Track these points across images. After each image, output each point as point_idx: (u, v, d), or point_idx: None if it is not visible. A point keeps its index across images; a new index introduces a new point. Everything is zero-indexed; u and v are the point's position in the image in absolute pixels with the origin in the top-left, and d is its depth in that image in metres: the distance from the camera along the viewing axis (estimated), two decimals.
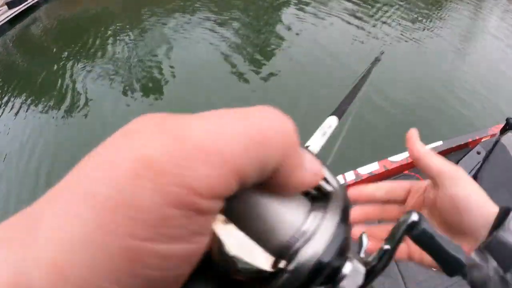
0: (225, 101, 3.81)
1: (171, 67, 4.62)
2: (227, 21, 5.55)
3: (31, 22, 7.01)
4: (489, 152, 1.87)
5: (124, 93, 4.30)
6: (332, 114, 0.65)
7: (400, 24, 5.51)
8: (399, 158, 1.94)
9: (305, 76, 4.16)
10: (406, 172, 2.01)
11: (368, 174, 1.84)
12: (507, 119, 2.12)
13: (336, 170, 1.83)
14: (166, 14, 6.09)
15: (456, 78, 4.35)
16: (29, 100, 4.63)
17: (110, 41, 5.51)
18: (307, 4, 5.96)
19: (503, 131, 2.00)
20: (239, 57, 4.68)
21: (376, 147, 2.89)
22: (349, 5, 5.94)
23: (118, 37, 5.57)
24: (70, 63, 5.12)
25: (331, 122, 0.67)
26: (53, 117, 4.14)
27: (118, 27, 5.91)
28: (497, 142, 1.90)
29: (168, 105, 3.97)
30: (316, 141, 0.57)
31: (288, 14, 5.84)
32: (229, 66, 4.46)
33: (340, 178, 1.76)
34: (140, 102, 4.12)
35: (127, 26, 5.90)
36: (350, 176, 1.82)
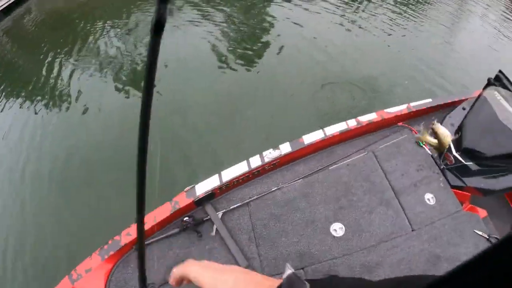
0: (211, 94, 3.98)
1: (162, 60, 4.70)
2: (217, 15, 5.62)
3: (24, 12, 6.98)
4: (473, 104, 2.09)
5: (115, 87, 4.36)
6: None
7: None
8: (394, 110, 2.16)
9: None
10: (400, 123, 2.24)
11: (367, 121, 2.05)
12: (488, 79, 2.36)
13: (339, 119, 2.05)
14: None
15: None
16: (17, 93, 4.65)
17: (101, 34, 5.52)
18: None
19: (485, 87, 2.24)
20: (227, 51, 4.74)
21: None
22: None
23: (110, 30, 5.59)
24: (61, 56, 5.14)
25: None
26: (40, 110, 4.18)
27: (110, 20, 5.93)
28: (479, 96, 2.12)
29: (157, 98, 4.03)
30: None
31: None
32: (217, 59, 4.53)
33: (344, 124, 1.96)
34: (127, 95, 4.19)
35: (119, 19, 5.93)
36: (352, 123, 2.03)
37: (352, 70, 4.16)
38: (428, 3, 6.31)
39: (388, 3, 6.05)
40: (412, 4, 6.12)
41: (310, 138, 1.94)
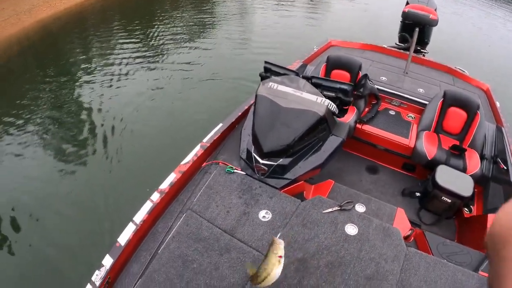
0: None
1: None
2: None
3: None
4: (254, 108, 2.15)
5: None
6: None
7: None
8: (190, 156, 2.15)
9: None
10: (204, 164, 2.23)
11: (169, 186, 1.96)
12: (260, 74, 2.38)
13: None
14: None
15: None
16: None
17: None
18: None
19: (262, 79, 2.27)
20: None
21: None
22: None
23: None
24: None
25: None
26: None
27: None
28: (256, 96, 2.14)
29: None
30: None
31: None
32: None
33: (149, 203, 1.85)
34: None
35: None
36: (155, 196, 1.90)
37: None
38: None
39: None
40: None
41: (125, 237, 1.69)
